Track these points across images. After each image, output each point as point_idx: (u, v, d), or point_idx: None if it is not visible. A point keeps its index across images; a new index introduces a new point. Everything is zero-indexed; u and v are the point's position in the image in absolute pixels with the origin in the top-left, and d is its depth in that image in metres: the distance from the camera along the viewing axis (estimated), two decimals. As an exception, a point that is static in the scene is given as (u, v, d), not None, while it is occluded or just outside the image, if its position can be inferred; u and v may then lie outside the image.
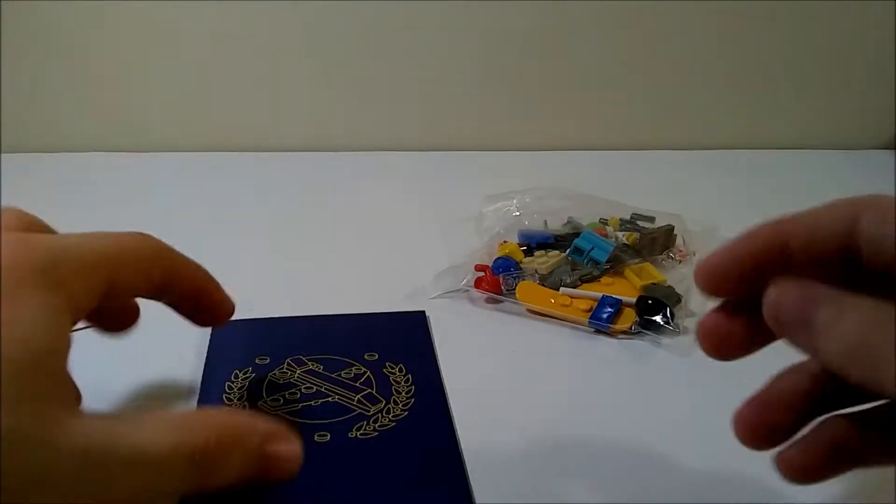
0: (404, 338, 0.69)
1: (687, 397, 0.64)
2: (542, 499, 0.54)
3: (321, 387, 0.63)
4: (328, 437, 0.58)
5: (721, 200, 0.97)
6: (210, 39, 1.00)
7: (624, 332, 0.70)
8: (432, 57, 1.04)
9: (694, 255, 0.81)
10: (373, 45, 1.03)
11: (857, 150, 1.14)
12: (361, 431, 0.59)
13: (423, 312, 0.72)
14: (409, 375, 0.64)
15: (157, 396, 0.62)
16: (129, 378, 0.63)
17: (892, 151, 1.14)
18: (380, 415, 0.60)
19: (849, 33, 1.07)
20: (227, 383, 0.62)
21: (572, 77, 1.07)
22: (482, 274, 0.75)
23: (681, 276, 0.78)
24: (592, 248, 0.76)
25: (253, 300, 0.72)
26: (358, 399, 0.62)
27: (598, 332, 0.70)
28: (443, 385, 0.64)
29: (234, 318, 0.67)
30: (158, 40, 0.99)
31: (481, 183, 0.95)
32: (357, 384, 0.63)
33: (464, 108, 1.08)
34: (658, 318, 0.69)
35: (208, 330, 0.68)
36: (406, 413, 0.61)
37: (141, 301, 0.71)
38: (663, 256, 0.80)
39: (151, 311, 0.70)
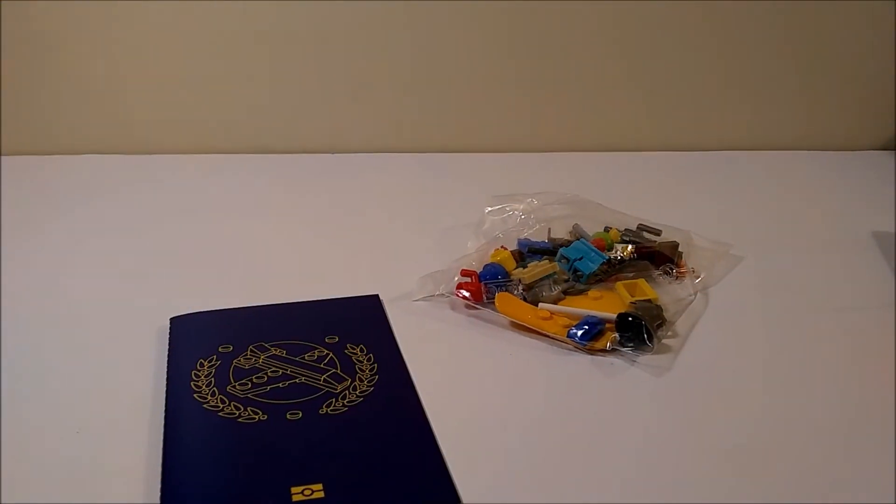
0: (362, 320, 0.71)
1: (653, 415, 0.62)
2: (508, 461, 0.57)
3: (286, 370, 0.65)
4: (300, 415, 0.60)
5: (728, 207, 0.95)
6: (206, 43, 1.01)
7: (601, 350, 0.68)
8: (438, 57, 1.04)
9: (694, 273, 0.78)
10: (375, 46, 1.03)
11: (857, 151, 1.11)
12: (332, 408, 0.61)
13: (377, 296, 0.75)
14: (371, 354, 0.67)
15: (124, 387, 0.63)
16: (94, 371, 0.65)
17: (893, 152, 1.11)
18: (347, 392, 0.62)
19: (849, 35, 1.06)
20: (194, 371, 0.64)
21: (581, 78, 1.06)
22: (467, 279, 0.74)
23: (676, 295, 0.75)
24: (579, 259, 0.74)
25: (238, 293, 0.74)
26: (324, 379, 0.64)
27: (576, 347, 0.68)
28: (404, 361, 0.66)
29: (192, 310, 0.70)
30: (154, 44, 1.01)
31: (488, 185, 0.93)
32: (321, 365, 0.65)
33: (470, 108, 1.07)
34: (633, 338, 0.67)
35: (166, 322, 0.69)
36: (372, 389, 0.63)
37: (97, 294, 0.74)
38: (660, 272, 0.77)
39: (107, 305, 0.73)
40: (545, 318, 0.70)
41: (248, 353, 0.66)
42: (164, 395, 0.62)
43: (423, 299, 0.75)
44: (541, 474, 0.56)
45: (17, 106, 1.02)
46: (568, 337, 0.68)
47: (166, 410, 0.60)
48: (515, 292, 0.73)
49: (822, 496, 0.54)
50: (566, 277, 0.75)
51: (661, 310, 0.71)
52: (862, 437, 0.60)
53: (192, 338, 0.68)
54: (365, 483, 0.54)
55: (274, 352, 0.67)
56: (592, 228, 0.83)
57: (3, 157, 1.02)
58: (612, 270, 0.76)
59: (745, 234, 0.87)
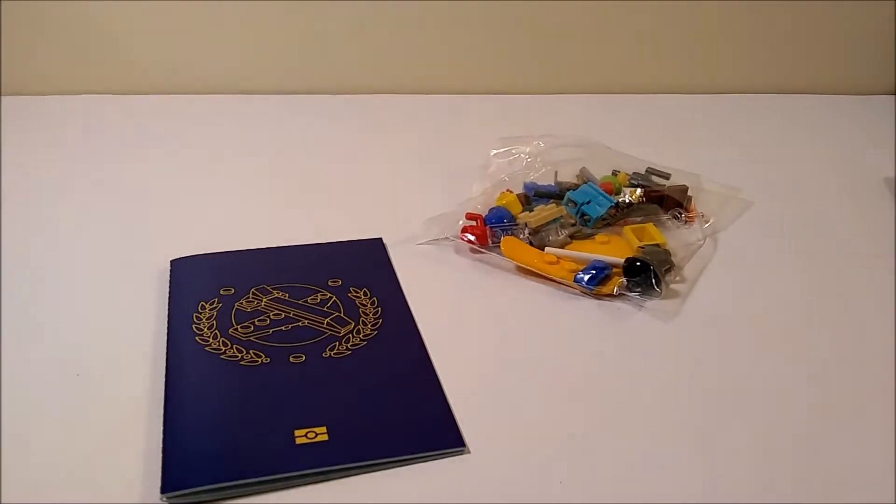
0: (365, 264, 0.71)
1: (660, 360, 0.61)
2: (513, 405, 0.57)
3: (289, 313, 0.64)
4: (303, 359, 0.59)
5: (739, 151, 0.93)
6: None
7: (608, 295, 0.67)
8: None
9: (703, 217, 0.77)
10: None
11: (873, 96, 1.08)
12: (335, 351, 0.60)
13: (381, 239, 0.74)
14: (375, 298, 0.66)
15: (125, 330, 0.63)
16: (94, 313, 0.65)
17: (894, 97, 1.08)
18: (350, 335, 0.62)
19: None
20: (195, 314, 0.63)
21: (591, 18, 1.03)
22: (472, 223, 0.73)
23: (684, 240, 0.74)
24: (587, 203, 0.73)
25: (240, 237, 0.73)
26: (327, 322, 0.63)
27: (583, 292, 0.67)
28: (408, 305, 0.65)
29: (192, 253, 0.69)
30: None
31: (494, 127, 0.91)
32: (324, 309, 0.65)
33: (477, 49, 1.04)
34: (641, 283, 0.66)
35: (166, 265, 0.68)
36: (376, 332, 0.62)
37: (98, 236, 0.73)
38: (669, 217, 0.76)
39: (108, 247, 0.72)
40: (551, 263, 0.69)
41: (250, 296, 0.66)
42: (165, 338, 0.61)
43: (428, 243, 0.74)
44: (546, 419, 0.55)
45: (15, 47, 1.00)
46: (574, 281, 0.67)
47: (168, 353, 0.59)
48: (521, 236, 0.72)
49: (827, 438, 0.54)
50: (573, 221, 0.74)
51: (670, 254, 0.70)
52: (870, 381, 0.59)
53: (193, 280, 0.67)
54: (369, 426, 0.54)
55: (276, 295, 0.66)
56: (600, 172, 0.82)
57: (2, 98, 1.00)
58: (620, 214, 0.75)
59: (756, 178, 0.86)
